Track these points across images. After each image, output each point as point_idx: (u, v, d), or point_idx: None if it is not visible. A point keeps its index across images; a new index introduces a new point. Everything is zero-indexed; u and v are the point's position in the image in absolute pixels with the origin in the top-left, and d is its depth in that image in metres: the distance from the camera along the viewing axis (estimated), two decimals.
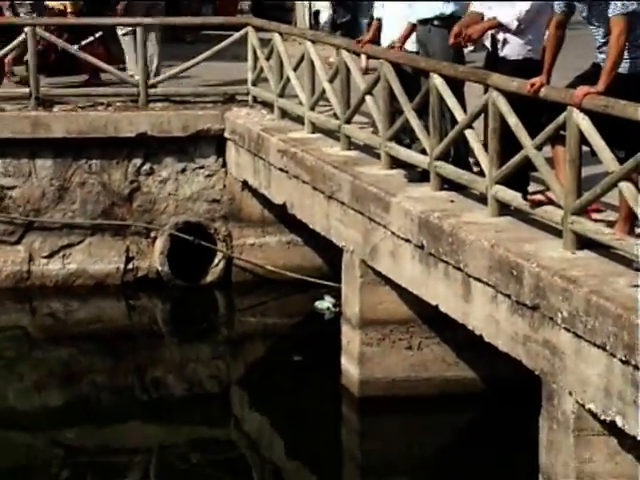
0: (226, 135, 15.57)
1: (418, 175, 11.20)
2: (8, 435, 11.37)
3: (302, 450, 11.04)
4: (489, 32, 10.20)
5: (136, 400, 12.59)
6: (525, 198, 9.33)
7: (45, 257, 15.67)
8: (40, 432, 11.44)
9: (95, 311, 15.21)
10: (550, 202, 9.03)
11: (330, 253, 13.79)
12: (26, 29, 15.74)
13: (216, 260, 15.73)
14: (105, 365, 13.54)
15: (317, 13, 22.38)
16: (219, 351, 14.37)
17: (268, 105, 15.57)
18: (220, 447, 11.43)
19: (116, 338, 14.37)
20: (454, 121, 10.50)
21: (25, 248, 15.63)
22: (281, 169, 13.80)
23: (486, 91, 9.90)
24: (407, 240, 10.47)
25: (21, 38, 15.83)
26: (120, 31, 17.41)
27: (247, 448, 11.49)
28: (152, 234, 15.75)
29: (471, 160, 10.80)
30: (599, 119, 8.32)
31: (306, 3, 23.14)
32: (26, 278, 15.64)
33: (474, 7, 10.66)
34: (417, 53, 11.45)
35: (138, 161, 15.72)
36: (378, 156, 11.94)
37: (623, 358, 7.38)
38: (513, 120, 9.35)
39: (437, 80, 10.53)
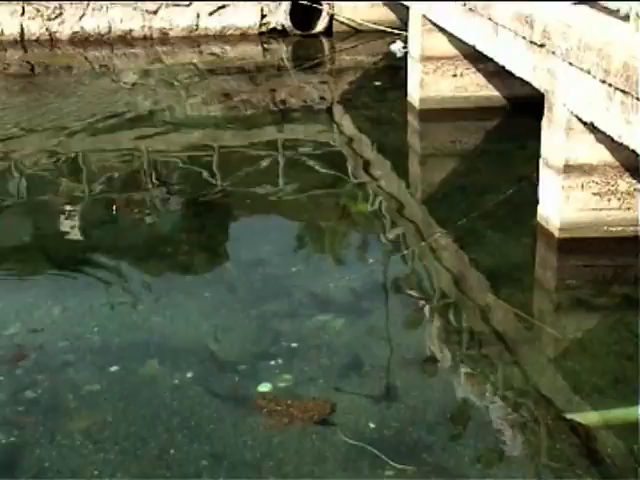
0: None
1: None
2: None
3: (381, 146, 10.96)
4: None
5: (269, 111, 12.51)
6: None
7: (208, 15, 15.43)
8: (204, 131, 11.50)
9: (241, 52, 15.07)
10: None
11: (400, 10, 13.39)
12: None
13: (322, 16, 15.39)
14: (248, 88, 13.44)
15: None
16: (324, 78, 14.15)
17: None
18: (324, 144, 11.41)
19: (255, 70, 14.24)
20: None
21: (194, 9, 15.40)
22: None
23: None
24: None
25: None
26: None
27: (343, 145, 11.45)
28: None
29: None
30: None
31: None
32: (195, 29, 15.48)
33: None
34: None
35: None
36: None
37: (601, 79, 7.12)
38: None
39: None
